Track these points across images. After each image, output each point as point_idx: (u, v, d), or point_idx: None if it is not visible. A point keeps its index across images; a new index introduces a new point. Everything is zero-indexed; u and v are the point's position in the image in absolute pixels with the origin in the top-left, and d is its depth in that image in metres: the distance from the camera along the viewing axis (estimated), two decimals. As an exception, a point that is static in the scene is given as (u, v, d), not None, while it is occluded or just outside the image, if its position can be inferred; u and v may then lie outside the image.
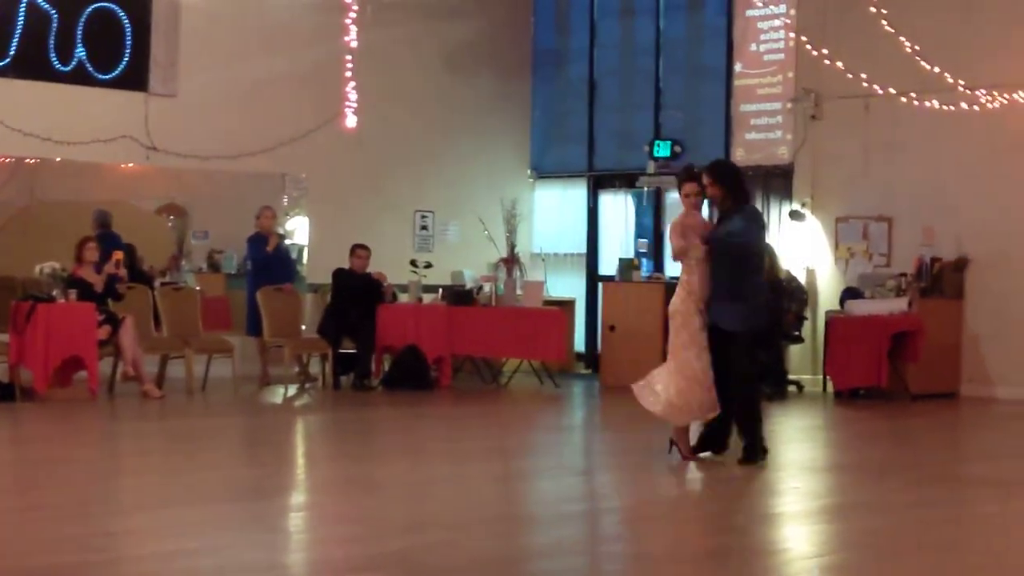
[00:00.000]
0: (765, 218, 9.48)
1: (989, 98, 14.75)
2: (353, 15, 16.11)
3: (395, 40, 16.90)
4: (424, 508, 7.97)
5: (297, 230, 16.85)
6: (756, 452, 9.49)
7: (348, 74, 16.17)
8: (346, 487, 8.85)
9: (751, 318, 9.62)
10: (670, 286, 15.73)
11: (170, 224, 17.05)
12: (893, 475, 9.68)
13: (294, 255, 16.30)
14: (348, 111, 16.19)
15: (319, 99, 16.22)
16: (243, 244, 15.55)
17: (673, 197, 17.84)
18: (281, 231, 16.12)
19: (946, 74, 14.72)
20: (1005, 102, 14.67)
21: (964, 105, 14.81)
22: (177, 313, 14.22)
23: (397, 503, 8.19)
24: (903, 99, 15.14)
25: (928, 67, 14.75)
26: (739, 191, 9.94)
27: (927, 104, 14.99)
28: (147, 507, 7.94)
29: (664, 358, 15.20)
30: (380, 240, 15.91)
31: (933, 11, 15.10)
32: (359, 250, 15.09)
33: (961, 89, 14.75)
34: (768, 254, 14.36)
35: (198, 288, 15.36)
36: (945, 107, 14.89)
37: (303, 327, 15.27)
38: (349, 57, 16.17)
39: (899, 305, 14.66)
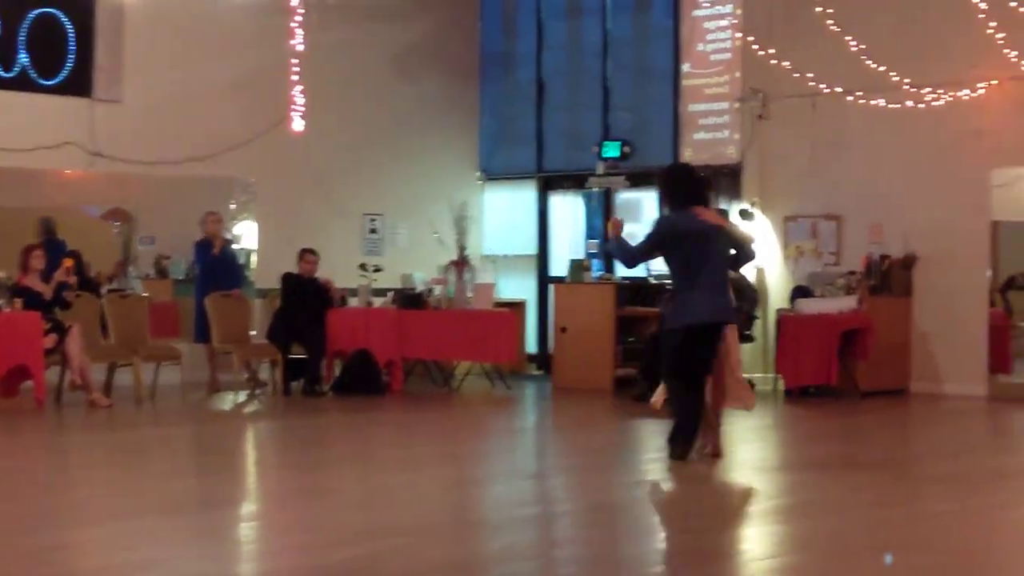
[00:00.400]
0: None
1: (934, 96, 14.85)
2: (299, 18, 16.02)
3: (341, 43, 16.82)
4: (377, 515, 7.91)
5: (245, 235, 16.73)
6: (674, 447, 9.67)
7: (295, 78, 16.08)
8: (297, 496, 8.77)
9: (673, 316, 9.78)
10: (621, 287, 15.84)
11: (116, 230, 16.87)
12: (846, 473, 9.70)
13: (242, 260, 16.18)
14: (295, 115, 16.09)
15: (265, 103, 16.11)
16: (191, 249, 15.44)
17: (623, 197, 17.89)
18: (228, 236, 16.00)
19: (892, 73, 14.82)
20: (950, 100, 14.77)
21: (910, 103, 14.91)
22: (124, 320, 14.08)
23: (349, 511, 8.12)
24: (849, 98, 15.22)
25: (874, 66, 14.85)
26: (671, 196, 9.99)
27: (873, 103, 15.09)
28: (96, 519, 7.84)
29: (615, 357, 15.38)
30: (329, 244, 15.84)
31: (878, 11, 15.18)
32: (307, 254, 15.01)
33: (906, 88, 14.85)
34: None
35: (145, 294, 15.21)
36: (891, 106, 14.99)
37: (252, 333, 15.17)
38: (295, 61, 16.07)
39: (849, 303, 14.74)
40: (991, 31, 14.18)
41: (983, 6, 14.13)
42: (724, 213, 10.22)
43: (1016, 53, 14.17)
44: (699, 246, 9.61)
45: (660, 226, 10.06)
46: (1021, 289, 16.43)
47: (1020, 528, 7.77)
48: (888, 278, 15.12)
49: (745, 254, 10.18)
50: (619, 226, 10.02)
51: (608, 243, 10.37)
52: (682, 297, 9.69)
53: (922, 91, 14.84)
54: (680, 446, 9.69)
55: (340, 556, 6.76)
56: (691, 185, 9.96)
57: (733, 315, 10.05)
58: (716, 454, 9.88)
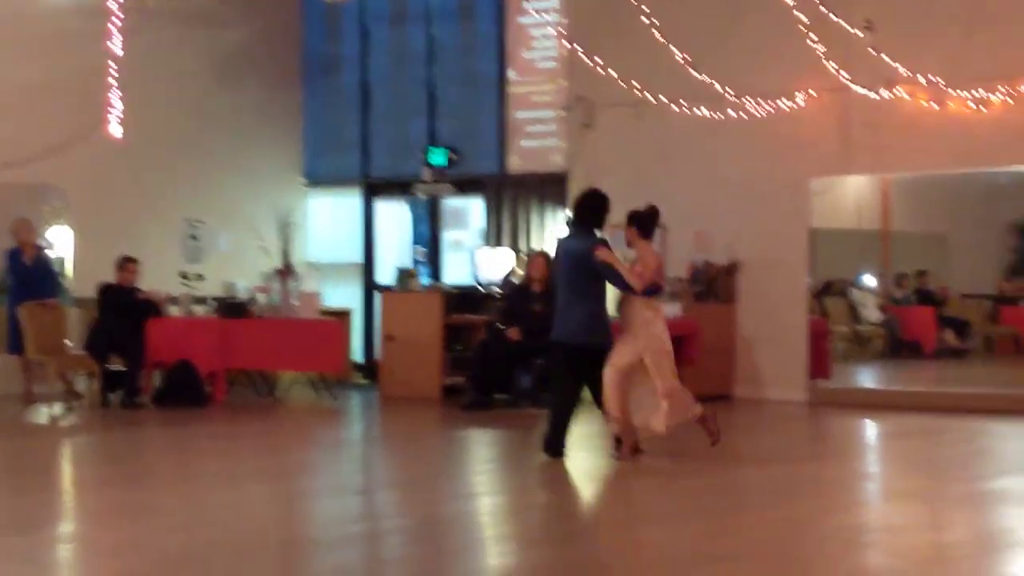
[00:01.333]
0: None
1: (755, 106, 15.07)
2: (117, 21, 15.58)
3: (161, 47, 16.43)
4: (202, 535, 7.66)
5: (58, 242, 16.19)
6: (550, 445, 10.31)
7: (113, 82, 15.64)
8: (117, 514, 8.46)
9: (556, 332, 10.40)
10: (448, 295, 15.73)
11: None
12: (671, 482, 9.73)
13: (56, 268, 15.67)
14: (113, 120, 15.66)
15: (82, 107, 15.61)
16: (2, 257, 14.91)
17: (449, 204, 17.81)
18: (43, 243, 15.49)
19: (715, 83, 15.00)
20: (771, 110, 15.01)
21: (732, 113, 15.11)
22: (-67, 332, 13.53)
23: (173, 530, 7.84)
24: (674, 107, 15.36)
25: (698, 76, 15.00)
26: (581, 219, 10.59)
27: (697, 112, 15.25)
28: (-99, 545, 7.45)
29: (443, 366, 15.28)
30: (149, 252, 15.44)
31: (701, 21, 15.35)
32: (127, 263, 14.59)
33: (729, 97, 15.04)
34: (547, 262, 14.45)
35: (-46, 305, 14.64)
36: (714, 115, 15.17)
37: (68, 343, 14.69)
38: (113, 64, 15.63)
39: (674, 310, 14.85)
40: (812, 44, 14.43)
41: (804, 19, 14.37)
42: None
43: (835, 65, 14.45)
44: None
45: (560, 244, 10.89)
46: (836, 295, 16.82)
47: (843, 533, 7.86)
48: (713, 285, 15.31)
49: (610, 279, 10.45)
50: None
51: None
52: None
53: (743, 100, 15.05)
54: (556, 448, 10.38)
55: (164, 580, 6.53)
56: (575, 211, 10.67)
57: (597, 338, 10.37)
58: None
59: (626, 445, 10.35)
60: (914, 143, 14.46)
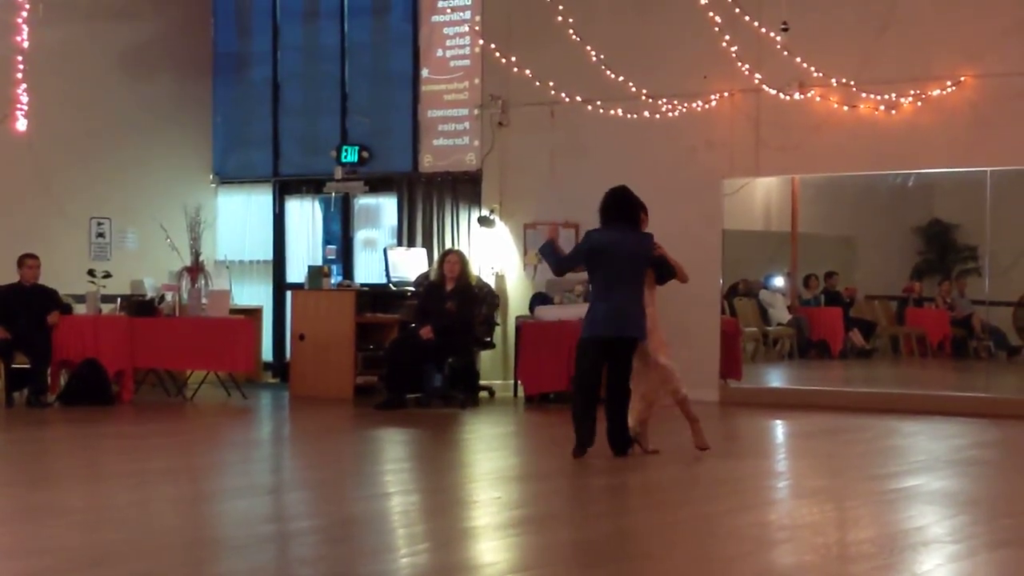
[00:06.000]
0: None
1: (669, 107, 15.14)
2: (25, 14, 15.32)
3: (69, 41, 16.19)
4: (112, 536, 7.51)
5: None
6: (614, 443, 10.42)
7: (19, 75, 15.38)
8: (21, 516, 8.27)
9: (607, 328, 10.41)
10: (360, 294, 15.62)
11: None
12: (587, 482, 9.72)
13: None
14: (18, 114, 15.40)
15: (-13, 101, 15.37)
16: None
17: (361, 203, 17.71)
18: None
19: (630, 83, 15.04)
20: (684, 111, 15.08)
21: (647, 114, 15.16)
22: None
23: (79, 532, 7.68)
24: (589, 107, 15.39)
25: (612, 76, 15.04)
26: (625, 215, 10.56)
27: (612, 112, 15.28)
28: None
29: (355, 365, 15.18)
30: (53, 249, 15.20)
31: (616, 21, 15.40)
32: (28, 259, 14.32)
33: (644, 98, 15.09)
34: (461, 260, 14.42)
35: None
36: (629, 115, 15.21)
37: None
38: (20, 58, 15.37)
39: (580, 311, 14.82)
40: (725, 44, 14.53)
41: (718, 19, 14.47)
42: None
43: (748, 66, 14.56)
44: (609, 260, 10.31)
45: (584, 239, 10.66)
46: (745, 296, 16.93)
47: (754, 531, 7.89)
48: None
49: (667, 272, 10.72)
50: (556, 231, 10.84)
51: (544, 246, 10.68)
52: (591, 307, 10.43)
53: (659, 102, 15.11)
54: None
55: (71, 582, 6.40)
56: (618, 206, 10.54)
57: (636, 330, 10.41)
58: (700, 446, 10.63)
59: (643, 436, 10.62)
60: (825, 145, 14.61)
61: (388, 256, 16.03)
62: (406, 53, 17.32)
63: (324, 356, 15.11)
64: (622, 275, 10.37)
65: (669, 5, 15.02)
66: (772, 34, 14.28)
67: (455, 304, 14.18)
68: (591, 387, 10.42)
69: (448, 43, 16.89)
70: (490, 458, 11.32)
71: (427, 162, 16.97)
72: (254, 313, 16.74)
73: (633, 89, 15.07)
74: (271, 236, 18.25)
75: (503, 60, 15.68)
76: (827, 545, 7.60)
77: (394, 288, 15.79)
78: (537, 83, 15.46)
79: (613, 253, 10.36)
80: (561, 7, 14.97)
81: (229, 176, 18.46)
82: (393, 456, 11.77)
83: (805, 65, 14.32)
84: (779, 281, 17.75)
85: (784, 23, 13.99)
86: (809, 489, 9.67)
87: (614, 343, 10.34)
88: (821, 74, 14.33)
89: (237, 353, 14.70)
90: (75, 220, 16.52)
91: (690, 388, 14.96)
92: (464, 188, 16.70)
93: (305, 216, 18.17)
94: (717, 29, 14.50)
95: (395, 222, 17.27)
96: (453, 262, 14.42)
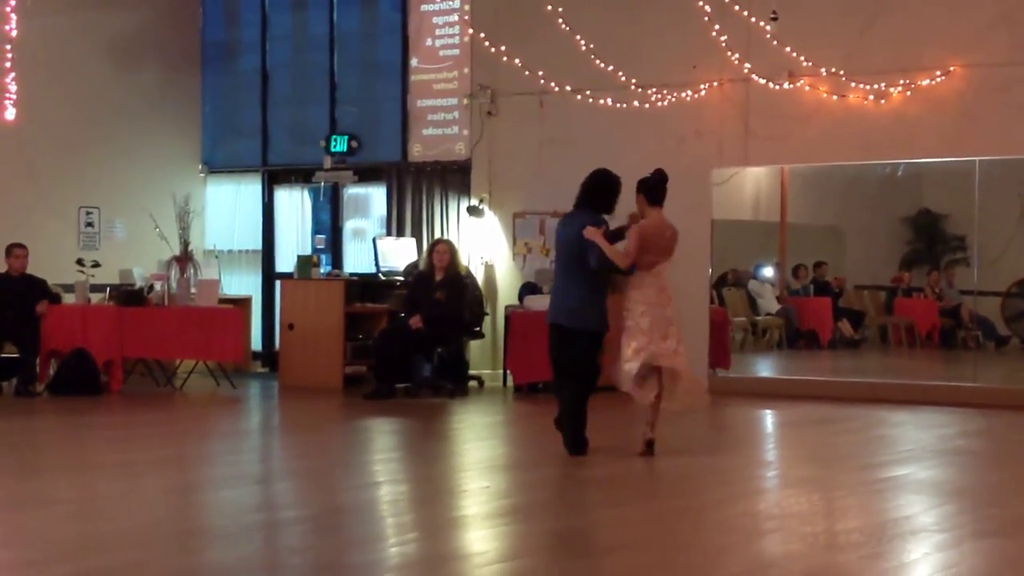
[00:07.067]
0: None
1: (659, 96, 15.14)
2: (13, 3, 15.28)
3: (57, 30, 16.15)
4: (102, 527, 7.52)
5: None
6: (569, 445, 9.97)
7: (7, 64, 15.34)
8: (11, 506, 8.26)
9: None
10: (350, 283, 15.61)
11: None
12: (578, 471, 9.73)
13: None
14: (7, 103, 15.36)
15: (-26, 90, 15.34)
16: None
17: (350, 192, 17.70)
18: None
19: (619, 72, 15.04)
20: (673, 100, 15.08)
21: (636, 103, 15.16)
22: None
23: (69, 522, 7.69)
24: (578, 96, 15.39)
25: (602, 65, 15.04)
26: (581, 200, 10.32)
27: (601, 102, 15.28)
28: None
29: (344, 354, 15.15)
30: (42, 238, 15.17)
31: (606, 10, 15.40)
32: (16, 249, 14.29)
33: (633, 87, 15.09)
34: (450, 250, 14.42)
35: None
36: (618, 105, 15.21)
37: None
38: (8, 47, 15.33)
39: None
40: (714, 33, 14.53)
41: (707, 8, 14.47)
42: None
43: (737, 56, 14.56)
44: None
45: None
46: (733, 286, 16.95)
47: (743, 521, 7.92)
48: (615, 275, 15.27)
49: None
50: (597, 233, 10.04)
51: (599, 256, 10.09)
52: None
53: (648, 91, 15.11)
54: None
55: (60, 572, 6.39)
56: (582, 191, 10.33)
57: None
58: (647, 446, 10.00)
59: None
60: (814, 135, 14.62)
61: (377, 246, 16.02)
62: (395, 42, 17.29)
63: (313, 346, 15.11)
64: (560, 261, 10.29)
65: (659, -6, 15.03)
66: (762, 23, 14.29)
67: (444, 294, 14.18)
68: (559, 373, 10.20)
69: (437, 32, 16.88)
70: (479, 447, 11.33)
71: (416, 151, 16.96)
72: (243, 302, 16.72)
73: (622, 78, 15.08)
74: (260, 225, 18.23)
75: (492, 49, 15.67)
76: (815, 534, 7.62)
77: (383, 278, 15.78)
78: (526, 72, 15.46)
79: (557, 239, 10.37)
80: (550, -4, 14.95)
81: (218, 165, 18.43)
82: (382, 446, 11.78)
83: (795, 55, 14.33)
84: (768, 271, 17.77)
85: (773, 12, 14.00)
86: (797, 479, 9.69)
87: (561, 330, 10.14)
88: (810, 64, 14.34)
89: (226, 342, 14.69)
90: (63, 209, 16.49)
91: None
92: (453, 177, 16.69)
93: (294, 205, 18.16)
94: (706, 18, 14.50)
95: (384, 211, 17.26)
96: (442, 252, 14.41)
